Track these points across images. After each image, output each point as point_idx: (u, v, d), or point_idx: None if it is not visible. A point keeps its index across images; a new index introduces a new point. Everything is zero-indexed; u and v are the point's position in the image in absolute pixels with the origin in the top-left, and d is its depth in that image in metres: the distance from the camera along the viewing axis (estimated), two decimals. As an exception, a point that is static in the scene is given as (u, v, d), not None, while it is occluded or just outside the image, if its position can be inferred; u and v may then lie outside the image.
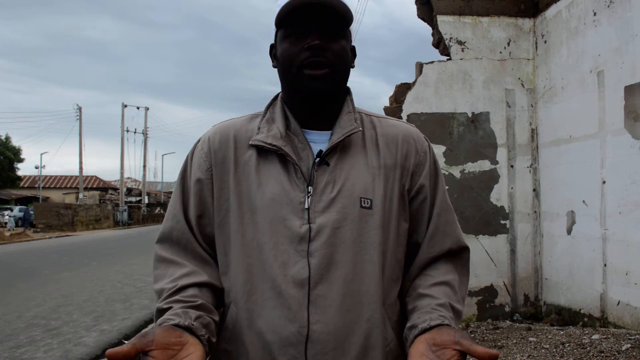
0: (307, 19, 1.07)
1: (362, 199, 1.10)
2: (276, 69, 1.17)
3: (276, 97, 1.22)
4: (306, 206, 1.08)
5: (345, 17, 1.09)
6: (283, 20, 1.09)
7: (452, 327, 1.00)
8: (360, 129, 1.14)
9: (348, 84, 1.19)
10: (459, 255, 1.19)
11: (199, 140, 1.21)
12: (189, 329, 0.97)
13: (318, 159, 1.10)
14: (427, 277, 1.14)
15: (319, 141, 1.14)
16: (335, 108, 1.16)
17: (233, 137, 1.16)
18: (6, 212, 32.30)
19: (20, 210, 33.11)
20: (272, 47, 1.18)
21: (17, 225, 30.31)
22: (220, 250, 1.14)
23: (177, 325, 0.96)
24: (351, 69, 1.18)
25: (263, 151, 1.13)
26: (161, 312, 1.04)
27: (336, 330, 1.04)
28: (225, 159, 1.15)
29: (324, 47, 1.08)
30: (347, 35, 1.14)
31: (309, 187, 1.09)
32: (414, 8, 5.84)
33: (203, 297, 1.07)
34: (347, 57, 1.14)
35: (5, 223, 29.40)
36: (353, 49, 1.18)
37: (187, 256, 1.14)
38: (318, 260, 1.05)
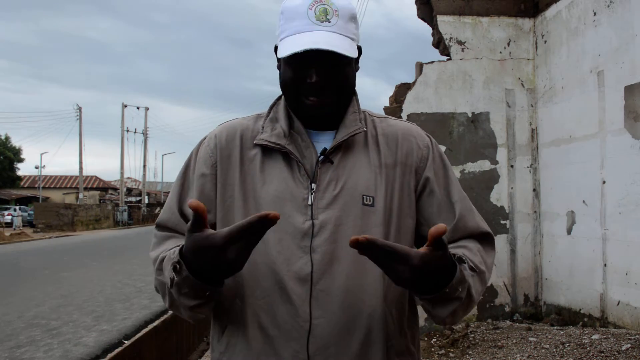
0: (309, 60, 1.06)
1: (364, 197, 1.11)
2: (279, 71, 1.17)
3: (280, 97, 1.22)
4: (309, 203, 1.09)
5: (349, 54, 1.06)
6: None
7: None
8: (365, 129, 1.16)
9: None
10: (480, 238, 1.18)
11: (205, 138, 1.23)
12: None
13: (322, 157, 1.11)
14: None
15: (323, 140, 1.15)
16: (341, 111, 1.17)
17: (240, 136, 1.18)
18: (6, 212, 32.28)
19: (22, 210, 33.11)
20: (277, 48, 1.17)
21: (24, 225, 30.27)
22: None
23: None
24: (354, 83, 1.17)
25: (267, 150, 1.14)
26: (164, 258, 1.06)
27: (338, 326, 1.05)
28: (232, 156, 1.16)
29: (325, 85, 1.08)
30: (352, 60, 1.11)
31: (312, 184, 1.10)
32: (413, 8, 5.84)
33: None
34: (351, 80, 1.14)
35: (7, 223, 29.33)
36: (359, 48, 1.17)
37: None
38: (320, 256, 1.07)
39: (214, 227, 1.16)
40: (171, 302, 1.04)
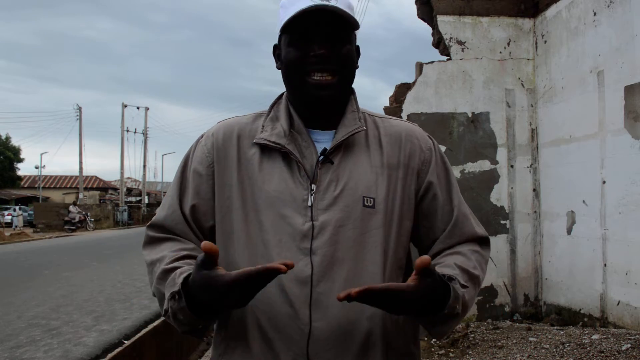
0: (313, 26, 1.06)
1: (365, 198, 1.10)
2: (279, 70, 1.17)
3: (281, 96, 1.22)
4: (309, 204, 1.08)
5: (350, 23, 1.09)
6: (288, 25, 1.08)
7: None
8: (364, 128, 1.14)
9: None
10: (477, 242, 1.18)
11: (202, 135, 1.21)
12: None
13: (322, 157, 1.10)
14: (440, 254, 1.15)
15: (323, 140, 1.14)
16: (340, 108, 1.16)
17: (237, 135, 1.16)
18: (6, 212, 32.24)
19: (22, 210, 33.08)
20: (276, 47, 1.18)
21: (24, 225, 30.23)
22: (220, 247, 1.12)
23: None
24: (355, 70, 1.17)
25: (267, 149, 1.13)
26: (168, 271, 1.04)
27: (338, 328, 1.05)
28: (228, 156, 1.14)
29: (330, 55, 1.07)
30: (353, 39, 1.14)
31: (312, 185, 1.09)
32: (412, 8, 5.84)
33: None
34: (352, 62, 1.14)
35: (7, 223, 29.30)
36: (357, 49, 1.18)
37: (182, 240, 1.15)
38: (320, 258, 1.06)
39: (212, 230, 1.15)
40: (166, 314, 1.05)
